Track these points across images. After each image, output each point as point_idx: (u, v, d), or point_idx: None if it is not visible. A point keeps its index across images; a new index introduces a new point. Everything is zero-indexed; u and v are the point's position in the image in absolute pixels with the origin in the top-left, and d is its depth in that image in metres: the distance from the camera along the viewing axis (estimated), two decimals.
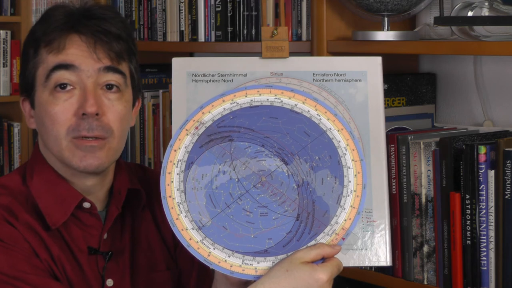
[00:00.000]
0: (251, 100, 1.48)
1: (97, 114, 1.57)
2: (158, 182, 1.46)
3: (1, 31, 3.33)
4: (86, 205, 1.62)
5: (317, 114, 1.46)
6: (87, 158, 1.57)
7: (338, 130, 1.46)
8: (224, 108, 1.47)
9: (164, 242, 1.72)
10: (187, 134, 1.47)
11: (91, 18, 1.61)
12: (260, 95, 1.48)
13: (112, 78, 1.60)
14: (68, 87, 1.58)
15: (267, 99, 1.48)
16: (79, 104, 1.57)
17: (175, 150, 1.46)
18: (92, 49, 1.58)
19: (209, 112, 1.47)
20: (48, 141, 1.60)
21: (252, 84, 1.52)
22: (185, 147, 1.46)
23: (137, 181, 1.72)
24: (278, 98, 1.48)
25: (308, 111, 1.47)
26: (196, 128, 1.47)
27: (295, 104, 1.47)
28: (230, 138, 1.46)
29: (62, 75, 1.58)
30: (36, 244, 1.56)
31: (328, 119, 1.46)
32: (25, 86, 1.64)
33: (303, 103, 1.47)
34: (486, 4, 1.90)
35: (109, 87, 1.60)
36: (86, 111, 1.56)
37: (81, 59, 1.58)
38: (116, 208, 1.65)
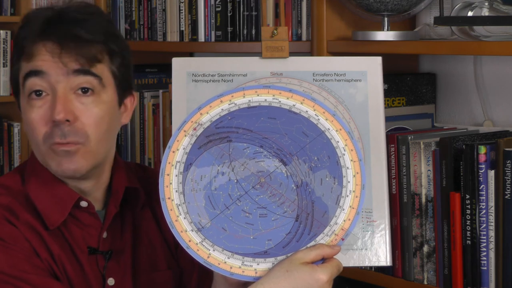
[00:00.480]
0: (249, 100, 1.48)
1: (68, 120, 1.56)
2: (158, 181, 1.46)
3: (1, 31, 3.33)
4: (83, 204, 1.62)
5: (315, 114, 1.46)
6: (64, 162, 1.57)
7: (337, 130, 1.46)
8: (222, 109, 1.47)
9: (166, 241, 1.72)
10: (185, 135, 1.47)
11: (62, 23, 1.60)
12: (258, 95, 1.48)
13: (84, 80, 1.58)
14: (43, 94, 1.58)
15: (265, 100, 1.48)
16: (51, 111, 1.56)
17: (173, 152, 1.46)
18: (57, 56, 1.57)
19: (207, 113, 1.47)
20: (32, 146, 1.62)
21: (250, 85, 1.52)
22: (184, 148, 1.46)
23: (137, 180, 1.72)
24: (276, 99, 1.48)
25: (307, 111, 1.47)
26: (194, 129, 1.47)
27: (293, 105, 1.47)
28: (228, 139, 1.46)
29: (34, 82, 1.58)
30: (36, 243, 1.56)
31: (326, 119, 1.46)
32: (15, 92, 1.66)
33: (301, 103, 1.47)
34: (486, 4, 1.90)
35: (84, 90, 1.59)
36: (54, 118, 1.55)
37: (49, 64, 1.57)
38: (114, 207, 1.65)
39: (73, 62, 1.57)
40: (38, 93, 1.58)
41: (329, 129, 1.46)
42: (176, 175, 1.45)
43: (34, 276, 1.53)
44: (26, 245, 1.55)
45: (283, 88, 1.49)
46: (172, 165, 1.46)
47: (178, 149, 1.46)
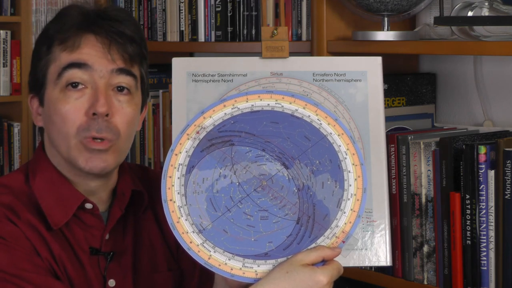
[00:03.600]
0: (252, 105, 1.48)
1: (107, 115, 1.57)
2: (160, 182, 1.46)
3: (1, 31, 3.32)
4: (88, 206, 1.62)
5: (318, 119, 1.47)
6: (93, 159, 1.58)
7: (339, 135, 1.46)
8: (225, 113, 1.48)
9: (167, 243, 1.72)
10: (188, 139, 1.47)
11: (106, 19, 1.61)
12: (261, 100, 1.48)
13: (124, 80, 1.60)
14: (80, 86, 1.58)
15: (268, 104, 1.48)
16: (90, 104, 1.57)
17: (176, 154, 1.46)
18: (107, 49, 1.58)
19: (210, 117, 1.48)
20: (57, 139, 1.60)
21: (250, 85, 1.52)
22: (186, 151, 1.46)
23: (140, 182, 1.72)
24: (279, 103, 1.48)
25: (309, 116, 1.47)
26: (197, 132, 1.47)
27: (296, 109, 1.47)
28: (231, 143, 1.47)
29: (75, 74, 1.58)
30: (37, 242, 1.56)
31: (328, 124, 1.46)
32: (35, 83, 1.64)
33: (304, 108, 1.47)
34: (486, 4, 1.90)
35: (120, 89, 1.60)
36: (96, 110, 1.56)
37: (95, 59, 1.58)
38: (119, 209, 1.65)
39: (119, 60, 1.59)
40: (75, 84, 1.58)
41: (331, 133, 1.46)
42: (178, 178, 1.46)
43: (35, 275, 1.53)
44: (27, 244, 1.55)
45: (286, 93, 1.49)
46: (175, 168, 1.46)
47: (180, 152, 1.46)
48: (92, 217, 1.63)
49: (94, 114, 1.56)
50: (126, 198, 1.67)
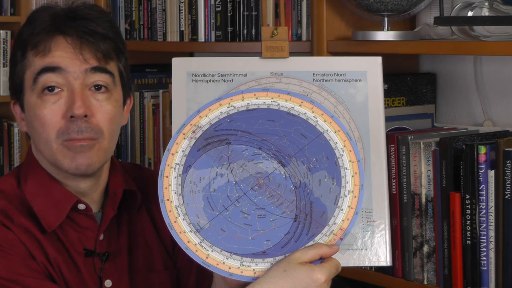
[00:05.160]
0: (248, 103, 1.48)
1: (85, 116, 1.56)
2: (155, 181, 1.46)
3: (1, 31, 3.33)
4: (81, 206, 1.62)
5: (314, 116, 1.47)
6: (78, 158, 1.57)
7: (335, 132, 1.46)
8: (221, 112, 1.48)
9: (162, 242, 1.71)
10: (184, 138, 1.47)
11: (76, 19, 1.60)
12: (256, 98, 1.48)
13: (100, 78, 1.59)
14: (56, 90, 1.57)
15: (264, 102, 1.48)
16: (67, 107, 1.56)
17: (172, 154, 1.46)
18: (78, 50, 1.57)
19: (206, 116, 1.48)
20: (39, 144, 1.60)
21: (250, 85, 1.52)
22: (183, 151, 1.46)
23: (132, 182, 1.71)
24: (274, 101, 1.48)
25: (305, 113, 1.47)
26: (194, 132, 1.47)
27: (292, 107, 1.47)
28: (227, 141, 1.47)
29: (49, 78, 1.57)
30: (32, 246, 1.56)
31: (324, 121, 1.46)
32: (15, 89, 1.64)
33: (300, 105, 1.47)
34: (486, 4, 1.90)
35: (98, 87, 1.59)
36: (74, 113, 1.55)
37: (68, 61, 1.57)
38: (112, 209, 1.65)
39: (92, 59, 1.58)
40: (51, 88, 1.58)
41: (327, 130, 1.46)
42: (175, 177, 1.46)
43: (31, 279, 1.52)
44: (22, 248, 1.55)
45: (281, 91, 1.49)
46: (171, 167, 1.46)
47: (177, 152, 1.46)
48: (86, 218, 1.63)
49: (72, 116, 1.56)
50: (117, 197, 1.66)
